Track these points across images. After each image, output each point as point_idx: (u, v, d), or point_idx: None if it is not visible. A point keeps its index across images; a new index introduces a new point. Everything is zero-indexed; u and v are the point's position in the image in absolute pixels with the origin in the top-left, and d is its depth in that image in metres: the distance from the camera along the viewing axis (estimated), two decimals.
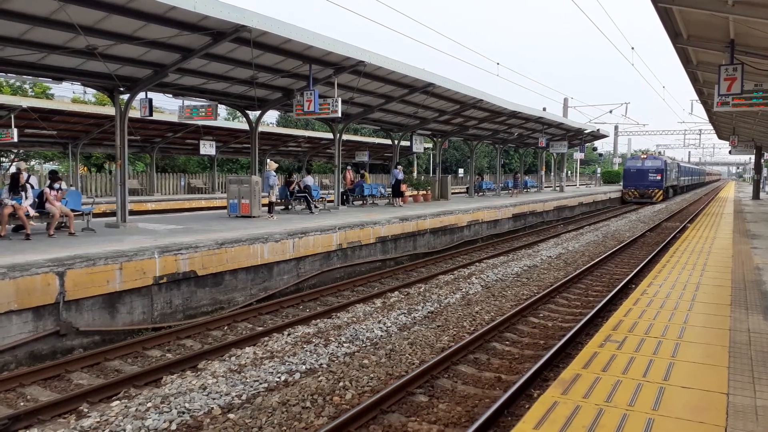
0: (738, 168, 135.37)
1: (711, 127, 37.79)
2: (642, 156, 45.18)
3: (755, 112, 17.00)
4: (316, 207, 18.28)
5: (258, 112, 17.37)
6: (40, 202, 11.23)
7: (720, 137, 38.68)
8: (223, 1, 9.84)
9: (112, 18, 9.57)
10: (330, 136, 26.09)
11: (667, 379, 4.84)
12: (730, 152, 42.38)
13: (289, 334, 8.26)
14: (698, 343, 5.86)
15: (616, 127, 52.77)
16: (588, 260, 15.11)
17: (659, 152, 54.26)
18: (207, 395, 5.94)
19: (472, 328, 8.68)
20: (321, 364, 6.96)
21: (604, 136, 39.86)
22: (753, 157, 38.99)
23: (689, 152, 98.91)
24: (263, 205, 16.22)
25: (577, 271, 13.15)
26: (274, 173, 16.92)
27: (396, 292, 11.11)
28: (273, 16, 11.29)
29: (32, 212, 10.76)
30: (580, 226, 24.73)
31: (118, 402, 5.93)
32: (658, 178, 42.37)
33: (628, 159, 48.82)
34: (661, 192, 42.63)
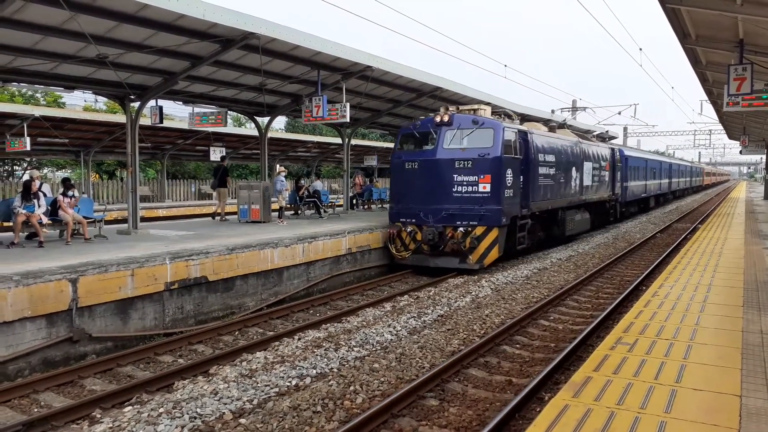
0: (749, 168, 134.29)
1: (721, 127, 37.53)
2: (440, 115, 13.58)
3: (766, 111, 16.88)
4: (325, 212, 18.33)
5: (267, 118, 17.47)
6: (54, 210, 11.35)
7: (730, 137, 38.42)
8: (231, 8, 9.92)
9: (123, 27, 9.68)
10: (339, 140, 26.15)
11: (679, 381, 4.82)
12: (740, 152, 40.09)
13: (299, 339, 8.28)
14: (710, 344, 5.83)
15: (625, 129, 52.27)
16: (598, 262, 15.03)
17: (503, 113, 15.71)
18: (218, 400, 5.97)
19: (483, 332, 8.66)
20: (332, 368, 6.97)
21: (613, 138, 39.37)
22: (764, 156, 38.56)
23: (699, 152, 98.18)
24: (273, 210, 16.28)
25: (588, 273, 13.09)
26: (282, 178, 17.01)
27: (406, 296, 11.11)
28: (282, 22, 11.39)
29: (45, 220, 10.87)
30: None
31: (130, 408, 5.97)
32: (483, 190, 13.04)
33: (403, 129, 14.86)
34: (493, 235, 13.05)
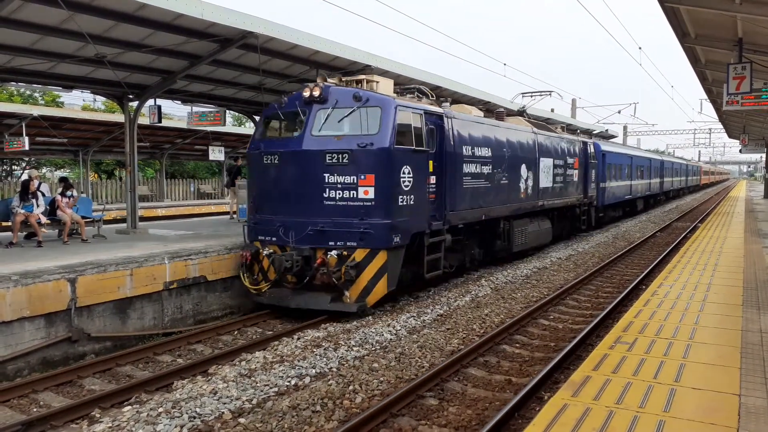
0: (749, 167, 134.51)
1: (721, 126, 37.58)
2: (309, 89, 9.67)
3: (765, 110, 16.90)
4: None
5: None
6: (52, 210, 11.34)
7: (730, 136, 38.50)
8: (230, 8, 9.92)
9: (121, 26, 9.66)
10: None
11: (678, 380, 4.82)
12: (740, 151, 40.09)
13: (298, 338, 8.27)
14: (709, 344, 5.83)
15: (624, 128, 52.35)
16: (598, 261, 15.04)
17: (416, 89, 11.34)
18: (218, 400, 5.96)
19: (482, 331, 8.66)
20: (331, 367, 6.97)
21: (613, 137, 39.38)
22: (764, 155, 38.58)
23: (699, 151, 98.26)
24: None
25: (587, 273, 13.09)
26: None
27: (405, 295, 11.10)
28: (280, 22, 11.40)
29: (44, 220, 10.87)
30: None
31: (129, 407, 5.96)
32: (365, 197, 9.20)
33: (266, 109, 10.86)
34: (379, 261, 9.21)
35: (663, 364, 5.20)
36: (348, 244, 9.23)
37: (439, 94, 17.20)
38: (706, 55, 12.48)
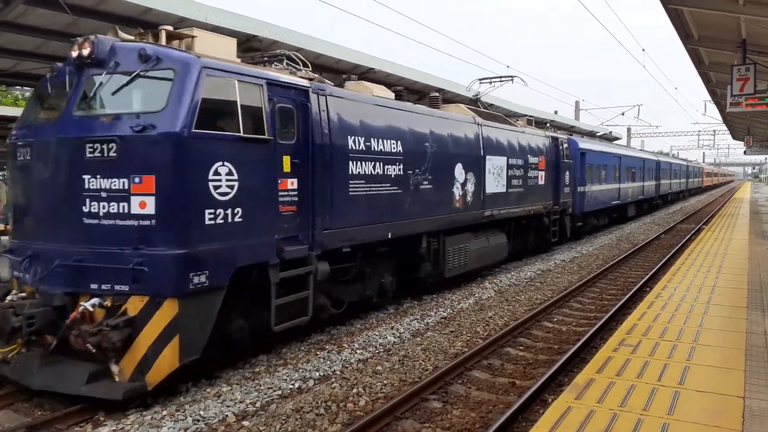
0: (754, 168, 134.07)
1: (725, 128, 37.52)
2: (77, 46, 6.28)
3: None
4: None
5: None
6: None
7: (734, 138, 38.42)
8: (234, 11, 9.96)
9: (125, 30, 9.71)
10: None
11: (682, 383, 4.81)
12: (745, 152, 39.74)
13: (302, 341, 8.29)
14: (714, 346, 5.82)
15: (628, 129, 52.24)
16: (602, 263, 15.01)
17: (286, 57, 8.34)
18: (221, 403, 5.98)
19: (486, 333, 8.65)
20: (334, 370, 6.98)
21: (616, 139, 39.38)
22: None
23: (703, 153, 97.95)
24: None
25: (591, 275, 13.07)
26: None
27: (408, 298, 11.10)
28: (284, 25, 11.43)
29: None
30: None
31: (133, 410, 5.97)
32: (142, 211, 5.78)
33: (43, 80, 7.04)
34: (165, 315, 5.70)
35: (667, 367, 5.19)
36: (117, 288, 5.89)
37: (442, 96, 17.20)
38: (709, 57, 12.47)
